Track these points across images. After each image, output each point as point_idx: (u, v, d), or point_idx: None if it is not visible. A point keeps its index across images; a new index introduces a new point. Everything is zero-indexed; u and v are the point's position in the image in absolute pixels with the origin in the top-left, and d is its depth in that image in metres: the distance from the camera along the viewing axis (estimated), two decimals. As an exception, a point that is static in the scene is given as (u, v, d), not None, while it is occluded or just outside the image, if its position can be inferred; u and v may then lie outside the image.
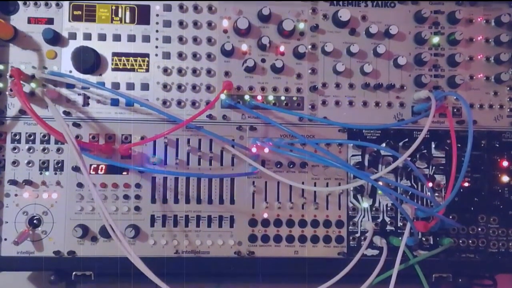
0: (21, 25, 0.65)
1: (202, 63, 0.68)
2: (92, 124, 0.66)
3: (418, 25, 0.70)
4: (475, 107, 0.70)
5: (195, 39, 0.67)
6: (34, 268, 0.69)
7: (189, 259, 0.66)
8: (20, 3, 0.65)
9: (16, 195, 0.65)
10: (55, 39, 0.65)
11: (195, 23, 0.67)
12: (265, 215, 0.67)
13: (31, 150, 0.65)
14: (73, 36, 0.66)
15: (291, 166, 0.68)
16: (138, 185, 0.66)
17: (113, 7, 0.67)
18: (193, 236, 0.67)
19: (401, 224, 0.69)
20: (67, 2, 0.66)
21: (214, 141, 0.67)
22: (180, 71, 0.67)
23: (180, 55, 0.67)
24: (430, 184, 0.69)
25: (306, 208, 0.68)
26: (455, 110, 0.70)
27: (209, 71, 0.68)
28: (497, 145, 0.70)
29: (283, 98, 0.68)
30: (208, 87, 0.67)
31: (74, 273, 0.66)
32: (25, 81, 0.64)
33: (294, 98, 0.68)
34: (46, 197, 0.65)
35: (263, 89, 0.68)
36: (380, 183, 0.65)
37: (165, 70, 0.67)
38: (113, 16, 0.67)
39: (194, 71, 0.67)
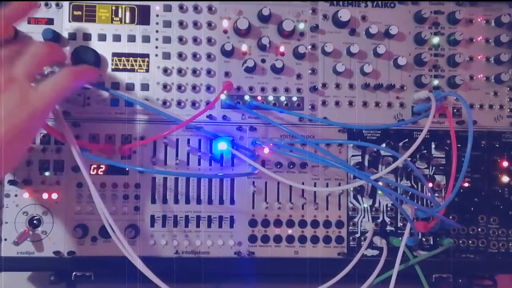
0: (21, 26, 0.65)
1: (202, 64, 0.68)
2: (92, 124, 0.66)
3: (418, 26, 0.70)
4: (475, 108, 0.70)
5: (195, 40, 0.67)
6: (34, 269, 0.69)
7: (189, 260, 0.66)
8: (20, 3, 0.65)
9: (16, 195, 0.65)
10: (55, 39, 0.64)
11: (195, 24, 0.67)
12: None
13: (31, 150, 0.65)
14: (73, 36, 0.66)
15: (291, 166, 0.68)
16: (137, 185, 0.66)
17: (113, 8, 0.67)
18: (193, 237, 0.67)
19: (401, 224, 0.69)
20: (67, 2, 0.66)
21: (214, 141, 0.67)
22: (180, 71, 0.67)
23: (180, 55, 0.67)
24: (430, 185, 0.69)
25: (306, 208, 0.68)
26: (455, 110, 0.70)
27: (209, 72, 0.68)
28: (497, 146, 0.70)
29: (283, 98, 0.68)
30: (208, 88, 0.67)
31: (74, 273, 0.66)
32: (25, 81, 0.64)
33: (294, 99, 0.68)
34: (46, 197, 0.65)
35: (263, 89, 0.68)
36: (380, 183, 0.65)
37: (165, 71, 0.67)
38: (113, 16, 0.67)
39: (194, 71, 0.67)
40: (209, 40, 0.68)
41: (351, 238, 0.68)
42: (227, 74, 0.68)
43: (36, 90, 0.53)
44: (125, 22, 0.67)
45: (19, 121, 0.51)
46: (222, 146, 0.65)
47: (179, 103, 0.67)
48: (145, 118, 0.66)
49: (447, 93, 0.67)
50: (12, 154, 0.52)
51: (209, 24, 0.68)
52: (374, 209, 0.69)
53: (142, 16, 0.67)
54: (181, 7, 0.67)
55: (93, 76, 0.63)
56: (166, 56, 0.67)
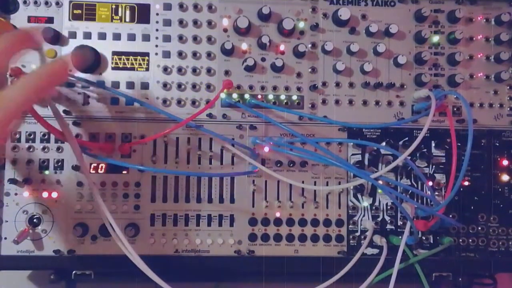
0: (21, 24, 0.65)
1: (202, 62, 0.68)
2: (92, 123, 0.66)
3: (418, 24, 0.70)
4: (475, 106, 0.70)
5: (195, 38, 0.67)
6: (34, 267, 0.70)
7: (189, 258, 0.66)
8: (20, 2, 0.65)
9: (16, 194, 0.65)
10: (55, 38, 0.65)
11: (195, 22, 0.67)
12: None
13: (31, 149, 0.65)
14: (73, 35, 0.66)
15: (291, 165, 0.68)
16: (138, 184, 0.66)
17: (113, 6, 0.67)
18: (193, 235, 0.67)
19: (401, 223, 0.69)
20: (67, 1, 0.66)
21: (214, 140, 0.67)
22: (180, 70, 0.67)
23: (180, 54, 0.67)
24: (430, 183, 0.69)
25: (306, 207, 0.68)
26: (455, 109, 0.70)
27: (209, 70, 0.68)
28: (497, 144, 0.70)
29: (283, 97, 0.68)
30: (208, 86, 0.67)
31: (74, 272, 0.66)
32: (25, 80, 0.64)
33: (294, 97, 0.68)
34: (46, 196, 0.65)
35: (263, 88, 0.68)
36: (380, 182, 0.65)
37: (165, 69, 0.67)
38: (113, 15, 0.67)
39: (194, 70, 0.67)
40: (209, 39, 0.68)
41: (351, 236, 0.68)
42: (227, 72, 0.68)
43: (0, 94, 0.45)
44: (125, 21, 0.67)
45: None
46: None
47: (179, 101, 0.67)
48: (145, 116, 0.66)
49: (447, 91, 0.67)
50: None
51: (209, 23, 0.68)
52: (374, 207, 0.69)
53: (142, 14, 0.67)
54: (181, 6, 0.67)
55: (66, 75, 0.56)
56: (166, 54, 0.67)
